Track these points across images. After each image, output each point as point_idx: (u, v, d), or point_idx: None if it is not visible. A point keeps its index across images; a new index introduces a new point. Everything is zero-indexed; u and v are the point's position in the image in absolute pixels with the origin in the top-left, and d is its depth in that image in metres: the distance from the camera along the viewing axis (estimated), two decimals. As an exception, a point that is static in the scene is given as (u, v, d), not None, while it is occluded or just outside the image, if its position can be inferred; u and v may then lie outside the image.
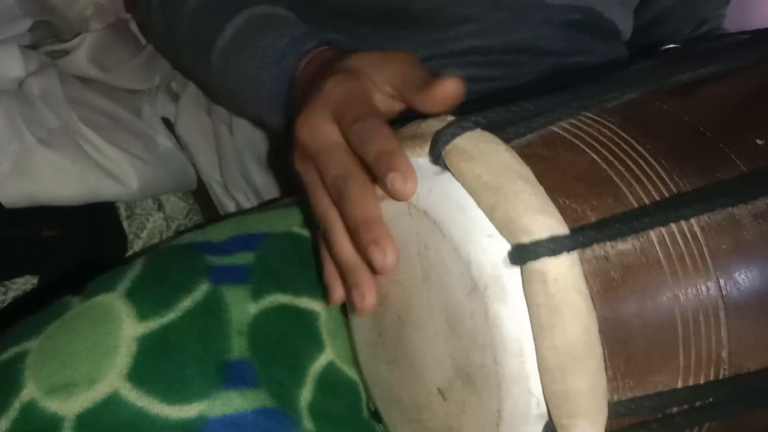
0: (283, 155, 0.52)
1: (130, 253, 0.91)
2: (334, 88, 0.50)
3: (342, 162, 0.47)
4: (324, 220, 0.49)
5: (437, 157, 0.43)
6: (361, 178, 0.46)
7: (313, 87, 0.52)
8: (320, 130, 0.49)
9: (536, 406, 0.40)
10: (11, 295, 0.82)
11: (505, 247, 0.39)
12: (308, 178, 0.51)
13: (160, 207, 0.96)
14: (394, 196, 0.43)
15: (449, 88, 0.47)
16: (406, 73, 0.51)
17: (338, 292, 0.51)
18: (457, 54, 0.76)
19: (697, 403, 0.43)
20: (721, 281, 0.42)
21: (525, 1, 0.76)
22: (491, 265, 0.40)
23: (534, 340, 0.39)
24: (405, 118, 0.49)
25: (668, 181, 0.42)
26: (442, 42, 0.76)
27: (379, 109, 0.49)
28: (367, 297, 0.46)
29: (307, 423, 0.55)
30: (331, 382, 0.59)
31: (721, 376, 0.43)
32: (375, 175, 0.44)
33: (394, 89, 0.52)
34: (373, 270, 0.44)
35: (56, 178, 0.84)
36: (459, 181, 0.41)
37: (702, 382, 0.42)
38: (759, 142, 0.46)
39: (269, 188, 0.95)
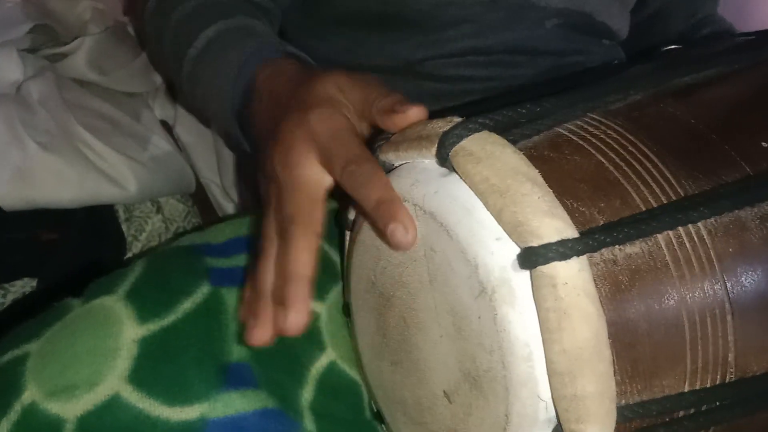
0: (251, 167, 0.52)
1: (128, 255, 0.91)
2: (319, 123, 0.48)
3: (298, 203, 0.47)
4: (263, 243, 0.49)
5: (444, 159, 0.42)
6: (306, 227, 0.46)
7: (289, 113, 0.51)
8: (298, 166, 0.48)
9: (545, 411, 0.40)
10: (10, 297, 0.82)
11: (514, 250, 0.39)
12: (268, 201, 0.50)
13: (159, 209, 0.96)
14: (394, 246, 0.43)
15: (414, 116, 0.47)
16: (372, 95, 0.49)
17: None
18: (454, 54, 0.77)
19: (704, 407, 0.43)
20: (728, 284, 0.42)
21: (521, 1, 0.76)
22: (499, 268, 0.39)
23: (543, 344, 0.39)
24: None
25: (675, 184, 0.42)
26: (440, 43, 0.76)
27: (366, 149, 0.47)
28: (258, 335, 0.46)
29: (309, 423, 0.55)
30: (332, 382, 0.59)
31: (727, 380, 0.43)
32: (371, 218, 0.44)
33: (359, 112, 0.50)
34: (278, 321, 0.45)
35: (55, 182, 0.84)
36: (466, 183, 0.41)
37: (709, 385, 0.42)
38: (764, 144, 0.46)
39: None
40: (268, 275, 0.47)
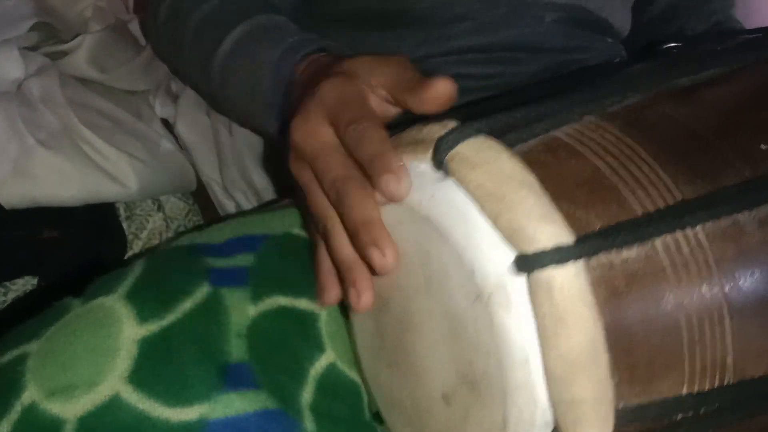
0: (282, 156, 0.53)
1: (129, 254, 0.91)
2: (329, 91, 0.50)
3: (339, 164, 0.48)
4: (323, 220, 0.50)
5: (440, 164, 0.42)
6: (359, 179, 0.46)
7: (308, 91, 0.52)
8: (315, 133, 0.49)
9: (542, 415, 0.40)
10: (11, 296, 0.82)
11: (510, 255, 0.39)
12: (304, 180, 0.51)
13: (160, 208, 0.96)
14: (389, 197, 0.44)
15: (441, 89, 0.48)
16: (400, 75, 0.51)
17: (333, 293, 0.52)
18: (455, 52, 0.77)
19: (702, 410, 0.43)
20: (726, 288, 0.41)
21: None
22: (495, 273, 0.39)
23: (539, 349, 0.39)
24: (404, 122, 0.49)
25: (673, 188, 0.42)
26: (441, 40, 0.76)
27: (373, 111, 0.50)
28: (363, 296, 0.47)
29: (309, 424, 0.55)
30: (332, 383, 0.59)
31: (725, 383, 0.43)
32: (370, 178, 0.45)
33: (388, 92, 0.52)
34: (373, 271, 0.45)
35: (56, 180, 0.84)
36: (462, 188, 0.41)
37: (707, 388, 0.42)
38: (763, 147, 0.46)
39: (268, 189, 0.95)
40: (345, 247, 0.48)
